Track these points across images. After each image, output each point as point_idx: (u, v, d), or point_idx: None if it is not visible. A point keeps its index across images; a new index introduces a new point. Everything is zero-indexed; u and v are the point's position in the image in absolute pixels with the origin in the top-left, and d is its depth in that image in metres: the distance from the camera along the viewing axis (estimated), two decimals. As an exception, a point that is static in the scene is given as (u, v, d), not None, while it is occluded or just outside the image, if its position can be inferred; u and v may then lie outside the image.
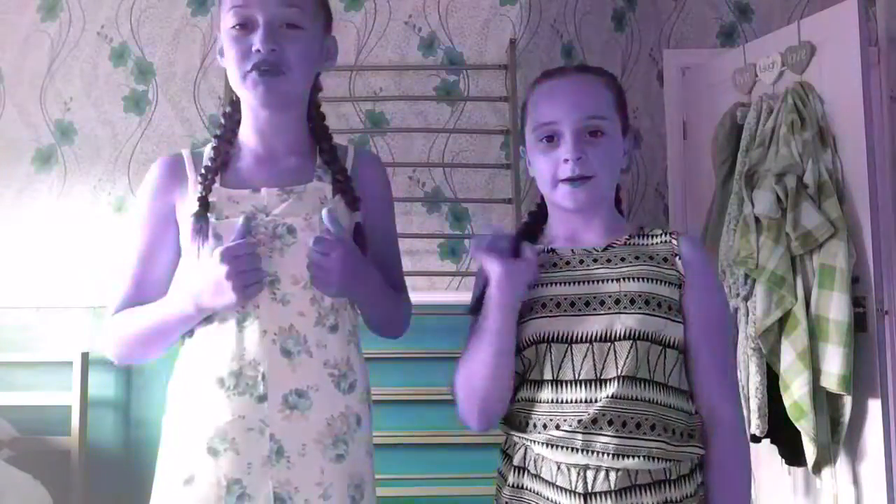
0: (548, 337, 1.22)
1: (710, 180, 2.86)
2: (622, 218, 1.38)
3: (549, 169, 1.27)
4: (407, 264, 2.69)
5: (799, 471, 2.58)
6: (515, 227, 1.44)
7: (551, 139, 1.26)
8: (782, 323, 2.45)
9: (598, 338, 1.20)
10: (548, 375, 1.22)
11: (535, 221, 1.38)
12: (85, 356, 2.56)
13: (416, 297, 2.82)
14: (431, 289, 2.66)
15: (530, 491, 1.23)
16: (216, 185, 1.28)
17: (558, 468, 1.19)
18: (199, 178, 1.28)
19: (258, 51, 1.22)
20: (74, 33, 2.80)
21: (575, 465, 1.17)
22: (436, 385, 2.54)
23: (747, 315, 2.54)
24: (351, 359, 1.29)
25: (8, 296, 2.69)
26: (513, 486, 1.25)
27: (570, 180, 1.24)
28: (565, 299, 1.23)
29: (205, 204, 1.25)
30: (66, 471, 2.50)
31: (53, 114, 2.78)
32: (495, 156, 2.73)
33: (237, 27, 1.25)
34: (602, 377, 1.18)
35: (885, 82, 2.85)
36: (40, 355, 2.64)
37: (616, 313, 1.20)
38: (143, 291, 1.30)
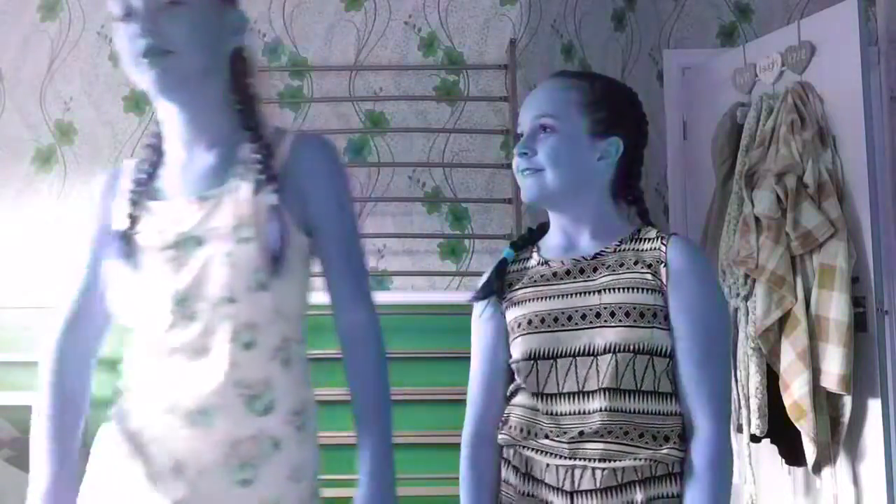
0: (534, 354, 1.25)
1: (710, 180, 2.85)
2: (621, 221, 1.37)
3: (515, 164, 1.34)
4: (407, 264, 2.72)
5: (799, 471, 2.58)
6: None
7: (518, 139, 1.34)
8: (782, 323, 2.45)
9: (580, 352, 1.22)
10: (534, 389, 1.25)
11: (539, 231, 1.41)
12: (85, 356, 2.56)
13: (416, 297, 2.83)
14: (431, 289, 2.66)
15: (531, 496, 1.25)
16: (144, 197, 1.22)
17: (547, 466, 1.23)
18: (128, 193, 1.23)
19: (140, 38, 1.16)
20: (74, 33, 2.79)
21: (563, 466, 1.21)
22: (436, 385, 2.54)
23: (747, 315, 2.54)
24: (272, 378, 1.17)
25: (8, 296, 2.69)
26: (523, 495, 1.27)
27: (521, 172, 1.31)
28: (549, 314, 1.25)
29: (130, 219, 1.20)
30: (66, 471, 2.50)
31: (53, 114, 2.78)
32: (495, 156, 2.73)
33: (121, 18, 1.20)
34: (584, 390, 1.21)
35: (885, 82, 2.85)
36: (40, 355, 2.64)
37: (597, 327, 1.22)
38: (87, 310, 1.27)
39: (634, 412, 1.20)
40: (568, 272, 1.29)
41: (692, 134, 3.08)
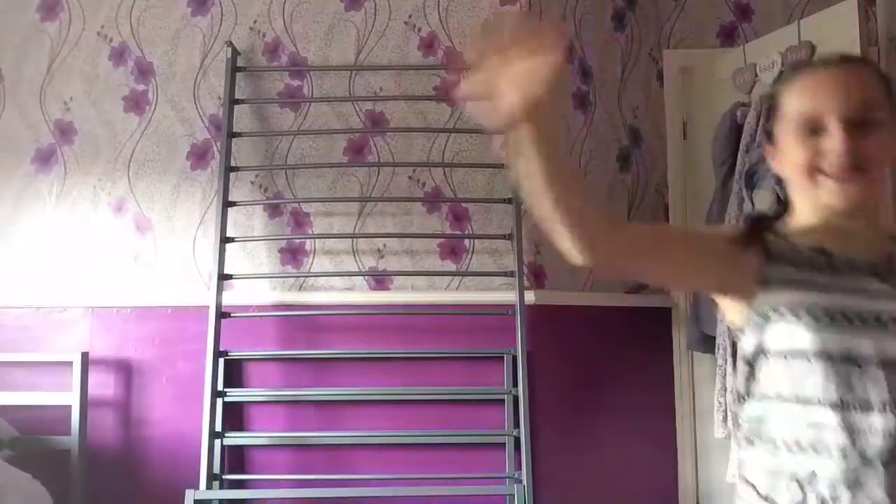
0: (829, 354, 1.06)
1: (710, 180, 2.85)
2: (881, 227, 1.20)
3: (807, 158, 1.12)
4: (407, 264, 2.72)
5: (799, 471, 2.57)
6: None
7: (814, 131, 1.12)
8: (782, 323, 2.44)
9: (888, 360, 1.04)
10: (827, 396, 1.05)
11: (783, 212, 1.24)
12: (85, 356, 2.56)
13: (416, 297, 2.82)
14: (431, 289, 2.66)
15: None
16: None
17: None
18: None
19: None
20: (74, 33, 2.80)
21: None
22: (435, 385, 2.54)
23: (747, 315, 2.53)
24: None
25: (8, 296, 2.69)
26: None
27: (837, 175, 1.09)
28: (834, 309, 1.07)
29: None
30: (66, 471, 2.50)
31: (53, 114, 2.78)
32: (495, 156, 2.73)
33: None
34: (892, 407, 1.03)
35: (885, 82, 2.84)
36: (40, 355, 2.64)
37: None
38: None
39: None
40: (856, 270, 1.11)
41: (692, 134, 3.08)
